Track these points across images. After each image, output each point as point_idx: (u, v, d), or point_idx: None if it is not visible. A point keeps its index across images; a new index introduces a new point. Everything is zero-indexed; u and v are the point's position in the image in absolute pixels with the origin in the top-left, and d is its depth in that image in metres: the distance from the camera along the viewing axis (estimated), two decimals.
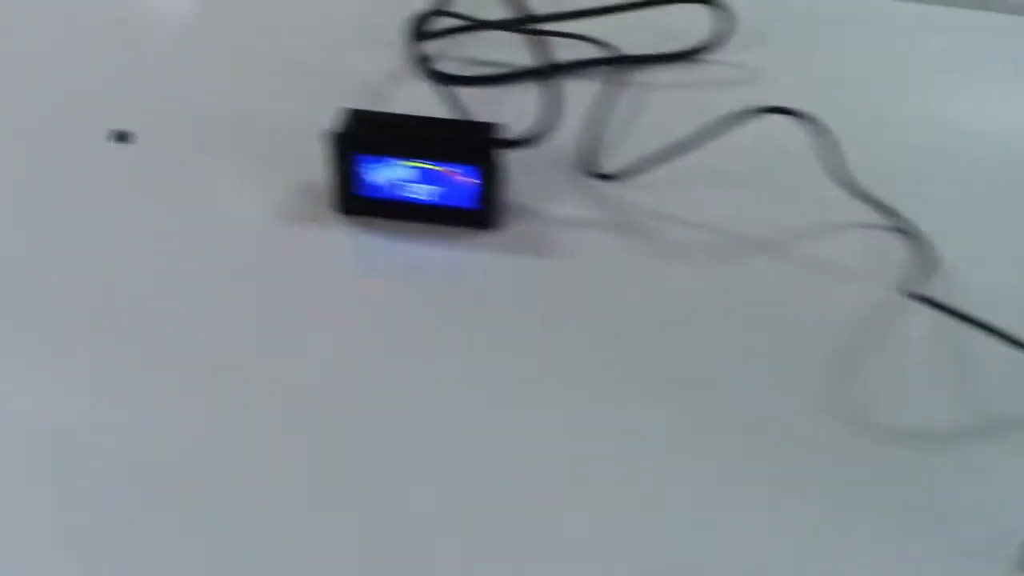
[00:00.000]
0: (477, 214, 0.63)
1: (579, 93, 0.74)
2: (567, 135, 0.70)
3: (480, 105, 0.73)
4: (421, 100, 0.73)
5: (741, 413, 0.53)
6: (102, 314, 0.57)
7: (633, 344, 0.57)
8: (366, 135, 0.61)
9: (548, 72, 0.64)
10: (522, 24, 0.73)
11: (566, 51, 0.77)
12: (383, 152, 0.61)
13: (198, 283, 0.59)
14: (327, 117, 0.64)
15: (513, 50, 0.77)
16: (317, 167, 0.66)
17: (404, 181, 0.62)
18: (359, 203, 0.63)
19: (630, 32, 0.80)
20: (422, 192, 0.62)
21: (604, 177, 0.68)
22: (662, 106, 0.75)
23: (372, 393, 0.53)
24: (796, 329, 0.58)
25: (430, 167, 0.61)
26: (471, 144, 0.61)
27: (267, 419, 0.52)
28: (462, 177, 0.61)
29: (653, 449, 0.51)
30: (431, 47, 0.79)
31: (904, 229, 0.64)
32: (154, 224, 0.62)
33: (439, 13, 0.80)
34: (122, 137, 0.67)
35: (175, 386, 0.53)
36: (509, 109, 0.73)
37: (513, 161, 0.66)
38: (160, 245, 0.61)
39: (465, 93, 0.74)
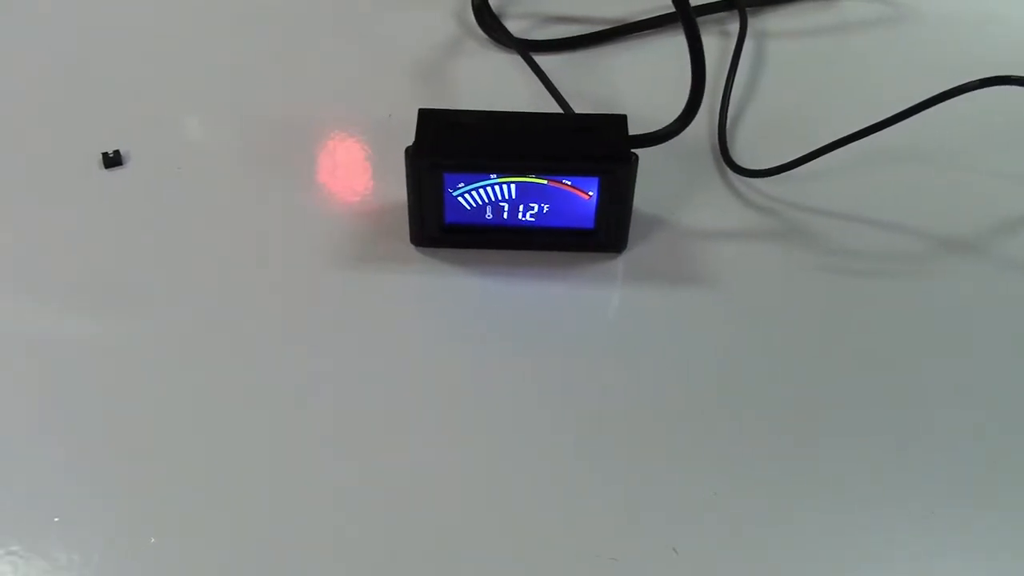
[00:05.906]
0: (596, 235, 0.47)
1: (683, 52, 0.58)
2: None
3: (568, 79, 0.56)
4: (489, 76, 0.57)
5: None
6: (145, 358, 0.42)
7: (827, 391, 0.42)
8: (455, 147, 0.45)
9: (688, 23, 0.44)
10: None
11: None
12: (479, 168, 0.45)
13: (232, 352, 0.44)
14: (374, 114, 0.51)
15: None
16: (369, 179, 0.51)
17: (501, 201, 0.46)
18: (445, 232, 0.48)
19: None
20: (523, 212, 0.47)
21: (751, 172, 0.52)
22: (802, 61, 0.59)
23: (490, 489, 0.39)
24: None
25: (535, 181, 0.45)
26: (590, 148, 0.46)
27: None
28: (577, 190, 0.46)
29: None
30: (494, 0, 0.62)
31: None
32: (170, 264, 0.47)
33: None
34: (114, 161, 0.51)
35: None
36: (602, 83, 0.58)
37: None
38: (188, 303, 0.46)
39: (547, 62, 0.58)
